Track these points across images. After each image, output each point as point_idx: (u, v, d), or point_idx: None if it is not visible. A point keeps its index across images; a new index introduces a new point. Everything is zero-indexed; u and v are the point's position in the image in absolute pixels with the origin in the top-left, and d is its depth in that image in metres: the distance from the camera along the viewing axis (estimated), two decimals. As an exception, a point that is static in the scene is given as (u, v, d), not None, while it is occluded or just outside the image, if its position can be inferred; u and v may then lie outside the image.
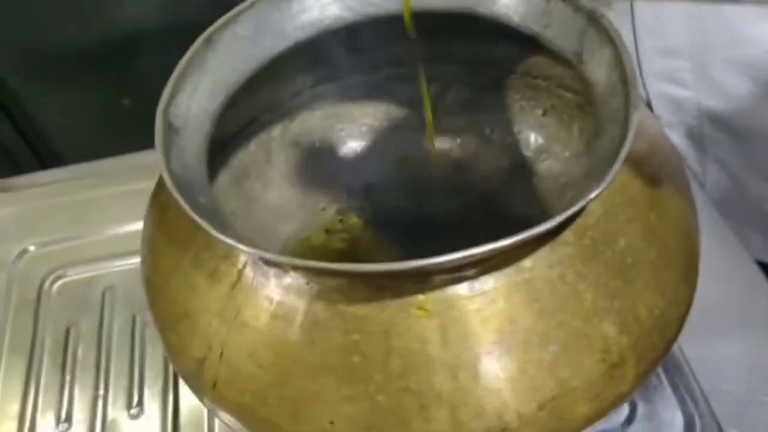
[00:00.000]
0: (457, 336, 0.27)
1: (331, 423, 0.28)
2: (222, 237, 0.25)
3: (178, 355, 0.31)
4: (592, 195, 0.25)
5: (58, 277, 0.49)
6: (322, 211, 0.46)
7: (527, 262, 0.27)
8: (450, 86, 0.46)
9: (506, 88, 0.45)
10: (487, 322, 0.27)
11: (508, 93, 0.45)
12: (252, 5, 0.34)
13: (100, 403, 0.43)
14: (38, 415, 0.43)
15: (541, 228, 0.24)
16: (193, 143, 0.31)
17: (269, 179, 0.45)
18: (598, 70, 0.31)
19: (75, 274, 0.49)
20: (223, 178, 0.43)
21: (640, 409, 0.39)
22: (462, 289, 0.27)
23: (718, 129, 0.56)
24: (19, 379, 0.44)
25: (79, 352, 0.45)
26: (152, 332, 0.42)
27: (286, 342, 0.28)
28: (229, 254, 0.30)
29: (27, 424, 0.42)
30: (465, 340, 0.27)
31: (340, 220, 0.45)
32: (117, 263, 0.49)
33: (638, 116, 0.27)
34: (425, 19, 0.38)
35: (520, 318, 0.27)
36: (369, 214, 0.46)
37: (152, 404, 0.42)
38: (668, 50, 0.56)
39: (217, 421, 0.41)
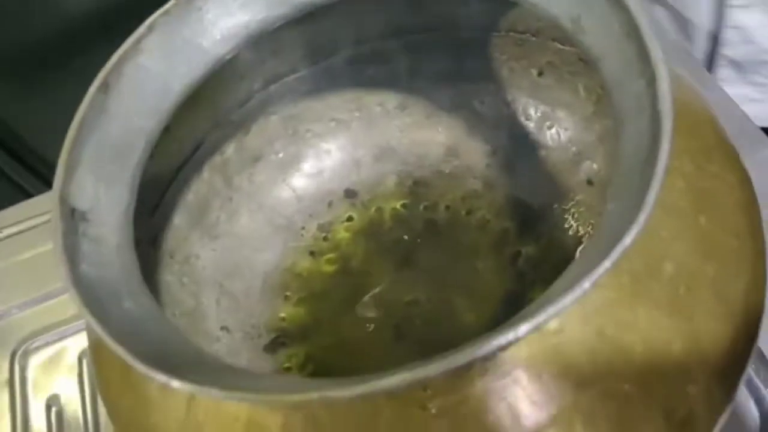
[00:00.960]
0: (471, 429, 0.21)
1: None
2: (141, 367, 0.19)
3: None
4: (627, 241, 0.18)
5: (27, 351, 0.43)
6: (302, 231, 0.39)
7: (552, 324, 0.21)
8: (423, 57, 0.39)
9: (490, 49, 0.37)
10: (512, 410, 0.20)
11: (493, 56, 0.37)
12: (151, 28, 0.27)
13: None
14: None
15: (564, 303, 0.18)
16: (109, 225, 0.25)
17: (234, 206, 0.39)
18: (604, 41, 0.23)
19: (45, 344, 0.43)
20: (179, 219, 0.37)
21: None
22: (472, 375, 0.20)
23: None
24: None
25: (65, 428, 0.40)
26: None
27: (268, 465, 0.22)
28: (179, 361, 0.24)
29: None
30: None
31: (324, 238, 0.39)
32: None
33: (670, 116, 0.19)
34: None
35: (554, 396, 0.21)
36: (357, 224, 0.39)
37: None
38: None
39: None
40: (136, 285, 0.24)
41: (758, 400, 0.33)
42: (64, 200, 0.24)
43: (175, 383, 0.19)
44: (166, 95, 0.28)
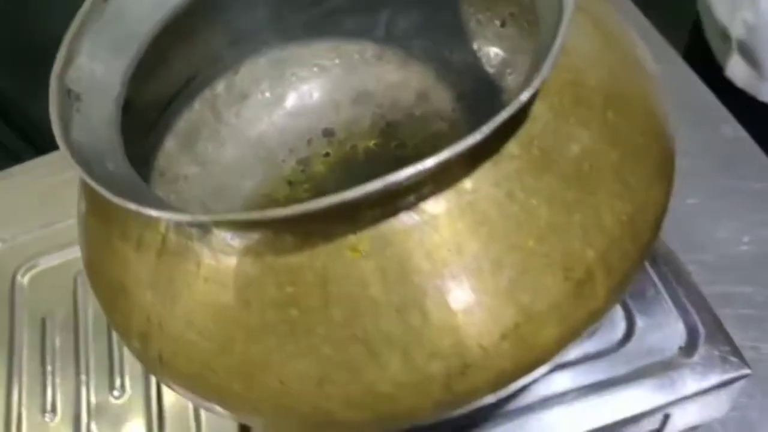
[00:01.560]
0: (398, 274, 0.24)
1: (282, 383, 0.25)
2: (118, 200, 0.23)
3: (124, 333, 0.29)
4: (523, 97, 0.22)
5: (30, 268, 0.47)
6: (282, 163, 0.43)
7: (468, 183, 0.24)
8: (400, 11, 0.42)
9: (460, 3, 0.41)
10: (431, 254, 0.24)
11: (462, 8, 0.41)
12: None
13: (83, 389, 0.42)
14: (24, 409, 0.42)
15: (466, 143, 0.21)
16: (99, 108, 0.29)
17: (222, 138, 0.43)
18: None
19: (46, 263, 0.47)
20: (170, 143, 0.40)
21: (639, 323, 0.36)
22: (398, 221, 0.24)
23: None
24: (1, 374, 0.43)
25: (57, 340, 0.44)
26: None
27: (221, 305, 0.26)
28: (151, 220, 0.27)
29: (14, 418, 0.41)
30: (408, 278, 0.24)
31: (302, 170, 0.43)
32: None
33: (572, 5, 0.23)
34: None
35: (468, 245, 0.24)
36: (333, 159, 0.43)
37: (135, 384, 0.41)
38: None
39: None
40: (119, 155, 0.28)
41: (685, 318, 0.36)
42: (61, 81, 0.28)
43: (151, 211, 0.23)
44: (160, 6, 0.32)
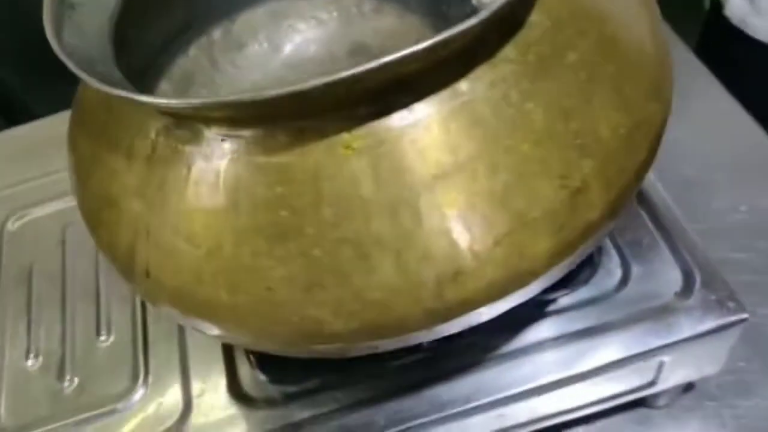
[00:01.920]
0: (391, 173, 0.24)
1: (269, 289, 0.25)
2: (108, 88, 0.23)
3: (110, 249, 0.29)
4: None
5: (20, 217, 0.47)
6: (278, 113, 0.43)
7: (463, 84, 0.24)
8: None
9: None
10: (424, 155, 0.24)
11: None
12: None
13: (68, 334, 0.41)
14: (7, 352, 0.41)
15: (458, 29, 0.21)
16: (93, 19, 0.29)
17: (216, 85, 0.42)
18: None
19: (35, 213, 0.47)
20: (164, 87, 0.40)
21: (635, 270, 0.36)
22: (392, 120, 0.24)
23: None
24: (-14, 321, 0.42)
25: (44, 287, 0.43)
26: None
27: (210, 209, 0.25)
28: (142, 127, 0.27)
29: (-3, 362, 0.41)
30: (401, 177, 0.24)
31: (298, 120, 0.42)
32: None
33: None
34: None
35: (462, 146, 0.24)
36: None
37: (121, 328, 0.40)
38: None
39: (186, 334, 0.39)
40: (110, 62, 0.27)
41: (681, 264, 0.35)
42: (56, -12, 0.28)
43: (143, 98, 0.23)
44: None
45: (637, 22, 0.28)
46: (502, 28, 0.24)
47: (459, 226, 0.24)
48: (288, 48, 0.44)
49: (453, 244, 0.24)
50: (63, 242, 0.45)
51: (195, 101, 0.22)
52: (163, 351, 0.39)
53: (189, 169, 0.25)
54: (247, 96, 0.22)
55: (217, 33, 0.42)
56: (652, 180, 0.39)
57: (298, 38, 0.44)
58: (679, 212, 0.41)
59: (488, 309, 0.26)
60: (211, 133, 0.25)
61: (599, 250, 0.36)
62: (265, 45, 0.43)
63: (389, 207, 0.24)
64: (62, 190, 0.47)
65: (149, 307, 0.40)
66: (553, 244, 0.25)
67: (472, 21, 0.21)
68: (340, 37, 0.44)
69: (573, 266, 0.27)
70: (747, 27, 0.65)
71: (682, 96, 0.57)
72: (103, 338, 0.40)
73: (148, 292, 0.28)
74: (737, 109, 0.55)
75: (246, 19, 0.43)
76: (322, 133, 0.24)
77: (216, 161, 0.25)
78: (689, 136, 0.54)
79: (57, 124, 0.51)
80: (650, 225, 0.37)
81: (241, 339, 0.27)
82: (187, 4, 0.40)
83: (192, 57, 0.41)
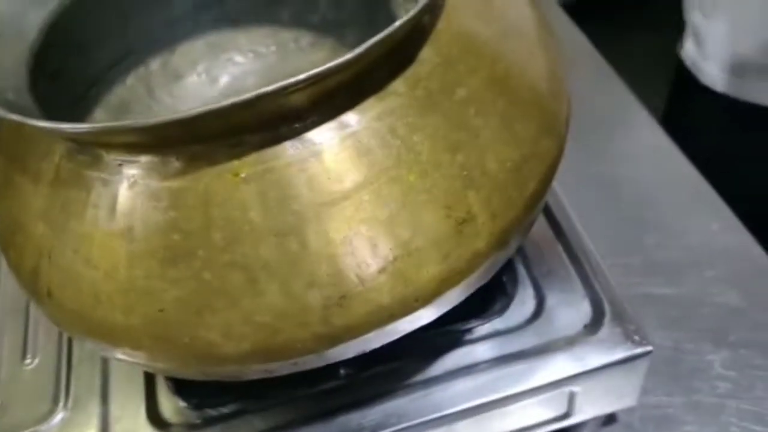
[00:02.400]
0: (278, 200, 0.24)
1: (161, 311, 0.25)
2: (2, 112, 0.23)
3: (17, 270, 0.29)
4: (398, 23, 0.23)
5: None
6: (213, 142, 0.43)
7: (351, 116, 0.25)
8: (336, 3, 0.44)
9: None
10: (312, 183, 0.24)
11: (391, 5, 0.43)
12: None
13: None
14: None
15: (342, 59, 0.22)
16: (10, 47, 0.29)
17: (153, 113, 0.43)
18: None
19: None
20: (100, 115, 0.41)
21: (549, 301, 0.36)
22: (280, 149, 0.25)
23: None
24: None
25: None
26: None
27: (107, 231, 0.26)
28: (48, 152, 0.27)
29: None
30: (288, 204, 0.24)
31: (232, 149, 0.43)
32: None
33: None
34: None
35: (349, 175, 0.25)
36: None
37: (47, 350, 0.40)
38: None
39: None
40: (24, 91, 0.28)
41: (592, 297, 0.36)
42: (-27, 16, 0.29)
43: (37, 122, 0.23)
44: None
45: (531, 62, 0.29)
46: (391, 63, 0.25)
47: (345, 252, 0.25)
48: (225, 79, 0.45)
49: (338, 269, 0.25)
50: (-2, 264, 0.46)
51: (83, 127, 0.23)
52: (85, 374, 0.39)
53: (89, 192, 0.26)
54: (137, 123, 0.22)
55: (155, 63, 0.43)
56: (570, 213, 0.40)
57: (236, 70, 0.45)
58: (609, 246, 0.43)
59: (376, 335, 0.26)
60: (110, 158, 0.26)
61: (514, 281, 0.37)
62: (204, 76, 0.45)
63: (277, 233, 0.24)
64: None
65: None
66: (438, 272, 0.26)
67: (354, 53, 0.22)
68: (278, 70, 0.45)
69: (466, 294, 0.28)
70: (698, 72, 0.66)
71: (620, 134, 0.59)
72: (28, 361, 0.40)
73: (52, 313, 0.29)
74: (673, 148, 0.57)
75: (185, 50, 0.44)
76: (213, 160, 0.25)
77: (114, 186, 0.26)
78: (624, 172, 0.55)
79: None
80: (565, 258, 0.38)
81: (137, 360, 0.27)
82: (125, 34, 0.41)
83: (129, 86, 0.42)
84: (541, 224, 0.40)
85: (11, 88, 0.28)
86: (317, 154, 0.25)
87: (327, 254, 0.25)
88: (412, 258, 0.25)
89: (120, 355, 0.28)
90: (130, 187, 0.25)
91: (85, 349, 0.40)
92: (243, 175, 0.24)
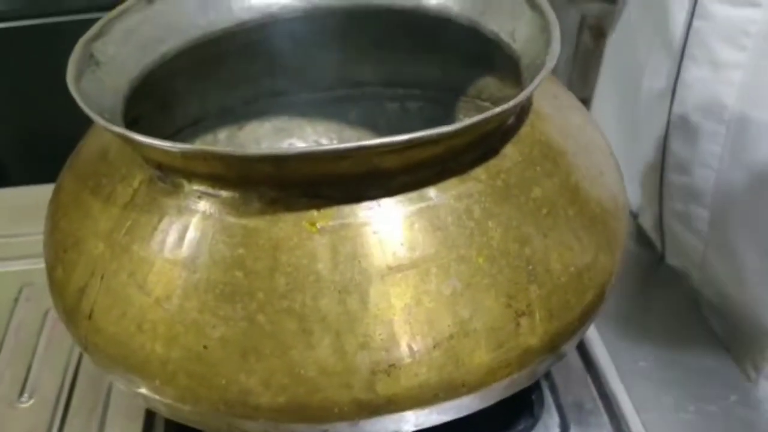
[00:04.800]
0: (348, 256, 0.25)
1: (205, 347, 0.25)
2: (107, 124, 0.24)
3: (61, 288, 0.29)
4: (498, 109, 0.24)
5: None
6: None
7: (432, 191, 0.26)
8: (406, 107, 0.46)
9: (457, 110, 0.45)
10: (383, 245, 0.25)
11: (457, 116, 0.45)
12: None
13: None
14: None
15: (433, 132, 0.23)
16: (113, 79, 0.31)
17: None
18: (529, 43, 0.31)
19: (-2, 268, 0.47)
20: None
21: (572, 431, 0.35)
22: (359, 208, 0.25)
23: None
24: None
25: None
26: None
27: (170, 258, 0.26)
28: (128, 176, 0.28)
29: None
30: (357, 262, 0.25)
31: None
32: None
33: (556, 53, 0.27)
34: (374, 24, 0.39)
35: (420, 245, 0.25)
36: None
37: (46, 393, 0.39)
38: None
39: (109, 410, 0.37)
40: (118, 113, 0.29)
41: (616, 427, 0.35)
42: (87, 46, 0.30)
43: (139, 137, 0.24)
44: (192, 28, 0.35)
45: (600, 180, 0.30)
46: (476, 151, 0.26)
47: (403, 319, 0.24)
48: (284, 162, 0.46)
49: (393, 336, 0.24)
50: (16, 300, 0.45)
51: (182, 146, 0.24)
52: (80, 423, 0.37)
53: (161, 219, 0.26)
54: (230, 150, 0.23)
55: (223, 134, 0.45)
56: (601, 352, 0.40)
57: (296, 156, 0.47)
58: (628, 400, 0.42)
59: (415, 415, 0.26)
60: (191, 188, 0.26)
61: (541, 403, 0.36)
62: (264, 155, 0.46)
63: (341, 288, 0.24)
64: (26, 252, 0.48)
65: (80, 378, 0.39)
66: (489, 360, 0.25)
67: (447, 128, 0.24)
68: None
69: (510, 392, 0.28)
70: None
71: (646, 294, 0.59)
72: (24, 399, 0.39)
73: (85, 336, 0.28)
74: (698, 316, 0.57)
75: (252, 128, 0.46)
76: (293, 207, 0.25)
77: (188, 215, 0.26)
78: (649, 332, 0.55)
79: (30, 194, 0.53)
80: (594, 392, 0.37)
81: (164, 399, 0.26)
82: (204, 103, 0.43)
83: (194, 149, 0.44)
84: (571, 354, 0.39)
85: (108, 110, 0.29)
86: (393, 220, 0.25)
87: (385, 318, 0.24)
88: (468, 339, 0.25)
89: (146, 390, 0.27)
90: (204, 219, 0.26)
91: (87, 398, 0.38)
92: (319, 226, 0.25)
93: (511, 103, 0.25)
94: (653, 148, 0.51)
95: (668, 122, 0.47)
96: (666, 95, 0.47)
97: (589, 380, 0.38)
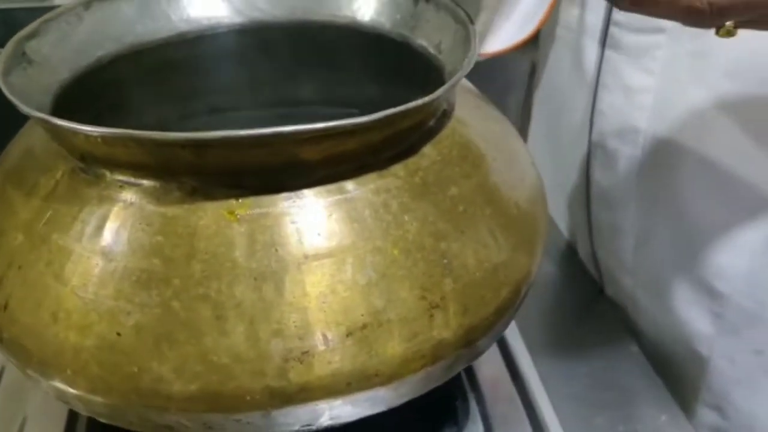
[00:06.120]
0: (265, 245, 0.25)
1: (119, 334, 0.25)
2: (28, 110, 0.25)
3: (-21, 281, 0.29)
4: (413, 103, 0.25)
5: None
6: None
7: (351, 183, 0.26)
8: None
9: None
10: (301, 235, 0.25)
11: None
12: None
13: None
14: None
15: (349, 121, 0.24)
16: (45, 78, 0.31)
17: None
18: (452, 53, 0.32)
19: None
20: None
21: (496, 441, 0.36)
22: (279, 198, 0.26)
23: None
24: None
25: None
26: None
27: (88, 247, 0.26)
28: (51, 168, 0.28)
29: None
30: (274, 250, 0.25)
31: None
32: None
33: (473, 57, 0.28)
34: (311, 39, 0.40)
35: (337, 236, 0.26)
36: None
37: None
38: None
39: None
40: (46, 110, 0.30)
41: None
42: (19, 43, 0.31)
43: (60, 122, 0.25)
44: (129, 35, 0.36)
45: (520, 185, 0.31)
46: (395, 148, 0.27)
47: (317, 307, 0.25)
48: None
49: (307, 323, 0.25)
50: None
51: (103, 130, 0.24)
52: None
53: (81, 209, 0.27)
54: (149, 134, 0.24)
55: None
56: (528, 365, 0.40)
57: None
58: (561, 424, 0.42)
59: (328, 406, 0.26)
60: (113, 178, 0.26)
61: (466, 413, 0.37)
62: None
63: (257, 276, 0.25)
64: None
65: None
66: (402, 350, 0.26)
67: (362, 119, 0.24)
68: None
69: (424, 389, 0.28)
70: None
71: (585, 322, 0.60)
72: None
73: (1, 328, 0.27)
74: (634, 344, 0.58)
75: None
76: (212, 196, 0.25)
77: (108, 204, 0.26)
78: (584, 358, 0.56)
79: None
80: (520, 405, 0.38)
81: (76, 391, 0.26)
82: (140, 115, 0.43)
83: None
84: (498, 365, 0.40)
85: (35, 108, 0.29)
86: (312, 210, 0.26)
87: (300, 306, 0.25)
88: (381, 329, 0.25)
89: (59, 383, 0.26)
90: (124, 207, 0.26)
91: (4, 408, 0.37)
92: (238, 215, 0.25)
93: (426, 99, 0.26)
94: (579, 182, 0.52)
95: (588, 152, 0.49)
96: (585, 126, 0.49)
97: (516, 393, 0.38)
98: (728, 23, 0.27)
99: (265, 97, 0.46)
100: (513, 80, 0.79)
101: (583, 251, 0.58)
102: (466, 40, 0.31)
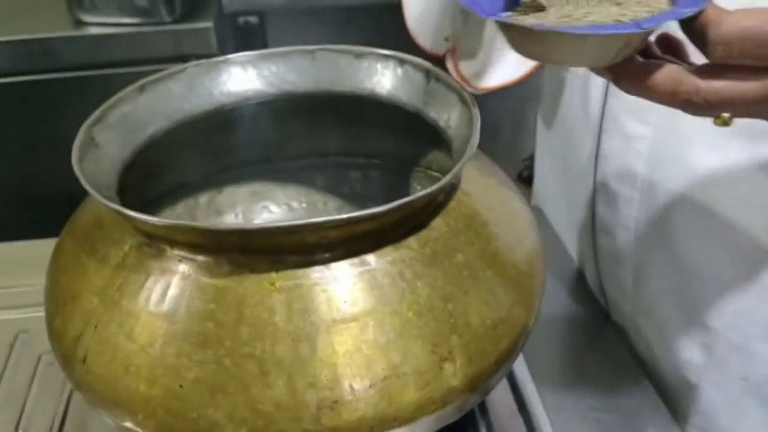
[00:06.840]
0: (301, 310, 0.30)
1: (181, 386, 0.30)
2: (105, 201, 0.30)
3: (60, 336, 0.34)
4: (421, 193, 0.30)
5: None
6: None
7: (371, 257, 0.31)
8: (368, 177, 0.52)
9: (412, 179, 0.51)
10: (330, 302, 0.30)
11: (412, 184, 0.51)
12: (184, 70, 0.42)
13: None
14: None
15: (368, 211, 0.29)
16: (108, 159, 0.37)
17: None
18: (459, 131, 0.37)
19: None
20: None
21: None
22: (311, 271, 0.31)
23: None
24: None
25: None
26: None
27: (153, 312, 0.31)
28: (120, 241, 0.34)
29: None
30: (308, 315, 0.30)
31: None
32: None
33: (475, 143, 0.33)
34: (336, 106, 0.45)
35: (360, 302, 0.31)
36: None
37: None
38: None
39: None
40: (113, 188, 0.35)
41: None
42: (89, 129, 0.36)
43: (128, 211, 0.30)
44: (178, 112, 0.41)
45: (518, 246, 0.36)
46: (409, 224, 0.32)
47: (345, 363, 0.30)
48: (257, 222, 0.52)
49: (337, 377, 0.30)
50: (12, 346, 0.50)
51: (164, 221, 0.30)
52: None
53: (147, 278, 0.32)
54: (203, 225, 0.29)
55: (203, 198, 0.51)
56: (533, 393, 0.45)
57: (268, 217, 0.52)
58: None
59: (356, 445, 0.31)
60: (173, 253, 0.32)
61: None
62: (240, 216, 0.52)
63: (294, 337, 0.30)
64: (22, 302, 0.52)
65: (69, 418, 0.44)
66: (417, 398, 0.31)
67: (380, 209, 0.29)
68: (304, 223, 0.52)
69: (437, 426, 0.33)
70: None
71: (591, 348, 0.64)
72: (18, 437, 0.43)
73: (80, 377, 0.33)
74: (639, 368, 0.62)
75: (230, 192, 0.52)
76: (255, 269, 0.31)
77: (170, 275, 0.31)
78: (586, 381, 0.60)
79: (25, 249, 0.58)
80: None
81: (144, 430, 0.31)
82: (184, 171, 0.49)
83: (177, 212, 0.49)
84: (506, 396, 0.44)
85: (105, 186, 0.35)
86: (339, 281, 0.31)
87: (330, 362, 0.30)
88: (398, 380, 0.30)
89: (130, 424, 0.32)
90: (183, 278, 0.31)
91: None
92: (278, 285, 0.30)
93: (434, 187, 0.31)
94: (585, 212, 0.57)
95: (593, 189, 0.53)
96: (590, 165, 0.53)
97: (523, 424, 0.43)
98: (724, 114, 0.31)
99: (295, 150, 0.51)
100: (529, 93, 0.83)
101: (590, 278, 0.62)
102: (470, 122, 0.36)
